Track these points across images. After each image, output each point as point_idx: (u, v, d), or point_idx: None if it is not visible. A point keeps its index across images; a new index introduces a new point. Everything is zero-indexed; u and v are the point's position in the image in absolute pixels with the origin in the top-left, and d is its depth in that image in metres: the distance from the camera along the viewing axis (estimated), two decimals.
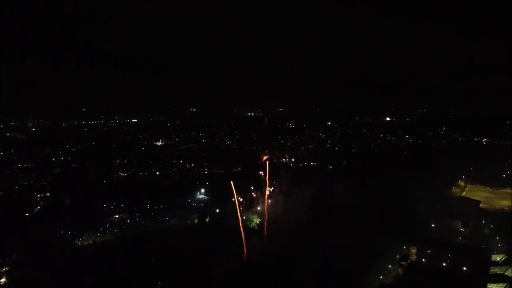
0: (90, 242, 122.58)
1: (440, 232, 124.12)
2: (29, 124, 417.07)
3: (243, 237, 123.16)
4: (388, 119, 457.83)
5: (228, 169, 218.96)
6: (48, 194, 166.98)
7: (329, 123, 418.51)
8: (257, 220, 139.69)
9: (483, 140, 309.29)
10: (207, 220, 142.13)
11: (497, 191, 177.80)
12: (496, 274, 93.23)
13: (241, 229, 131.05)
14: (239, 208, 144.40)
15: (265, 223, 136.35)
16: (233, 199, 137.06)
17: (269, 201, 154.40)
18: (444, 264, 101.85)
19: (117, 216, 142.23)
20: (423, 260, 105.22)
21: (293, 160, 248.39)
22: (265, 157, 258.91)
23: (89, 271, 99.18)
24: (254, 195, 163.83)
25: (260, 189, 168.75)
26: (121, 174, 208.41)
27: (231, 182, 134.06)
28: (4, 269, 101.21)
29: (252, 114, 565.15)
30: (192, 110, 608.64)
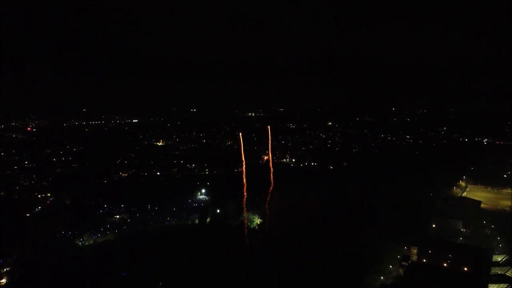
0: (91, 242, 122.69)
1: (441, 232, 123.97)
2: (30, 124, 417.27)
3: (244, 237, 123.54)
4: (388, 119, 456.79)
5: (229, 169, 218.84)
6: (48, 194, 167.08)
7: (330, 123, 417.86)
8: (258, 220, 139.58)
9: (484, 140, 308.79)
10: (207, 220, 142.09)
11: (498, 191, 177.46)
12: (497, 275, 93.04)
13: (242, 228, 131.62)
14: (241, 207, 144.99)
15: (266, 223, 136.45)
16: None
17: (270, 201, 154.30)
18: (445, 264, 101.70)
19: (117, 216, 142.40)
20: (424, 260, 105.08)
21: (293, 160, 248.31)
22: (266, 157, 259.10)
23: (90, 271, 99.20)
24: (255, 195, 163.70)
25: (261, 188, 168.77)
26: (122, 174, 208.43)
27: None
28: (4, 269, 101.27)
29: (253, 114, 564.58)
30: (193, 110, 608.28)
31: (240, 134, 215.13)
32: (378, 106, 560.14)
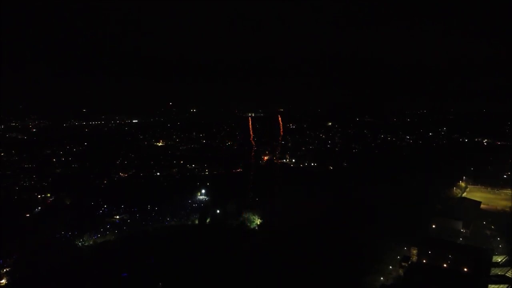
0: (91, 242, 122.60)
1: (441, 233, 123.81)
2: (30, 124, 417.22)
3: (244, 237, 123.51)
4: (388, 119, 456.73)
5: (229, 169, 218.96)
6: (48, 194, 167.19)
7: (330, 123, 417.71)
8: (258, 220, 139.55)
9: (484, 141, 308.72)
10: (207, 220, 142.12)
11: (498, 192, 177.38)
12: (497, 275, 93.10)
13: (242, 229, 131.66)
14: (241, 207, 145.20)
15: (266, 223, 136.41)
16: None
17: (270, 201, 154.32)
18: (445, 265, 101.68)
19: (117, 216, 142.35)
20: (424, 260, 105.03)
21: (293, 160, 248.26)
22: (266, 158, 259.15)
23: (90, 271, 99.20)
24: (255, 195, 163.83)
25: (261, 188, 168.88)
26: (122, 174, 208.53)
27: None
28: (4, 270, 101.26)
29: (253, 115, 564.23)
30: (193, 110, 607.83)
31: (252, 137, 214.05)
32: (378, 106, 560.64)
